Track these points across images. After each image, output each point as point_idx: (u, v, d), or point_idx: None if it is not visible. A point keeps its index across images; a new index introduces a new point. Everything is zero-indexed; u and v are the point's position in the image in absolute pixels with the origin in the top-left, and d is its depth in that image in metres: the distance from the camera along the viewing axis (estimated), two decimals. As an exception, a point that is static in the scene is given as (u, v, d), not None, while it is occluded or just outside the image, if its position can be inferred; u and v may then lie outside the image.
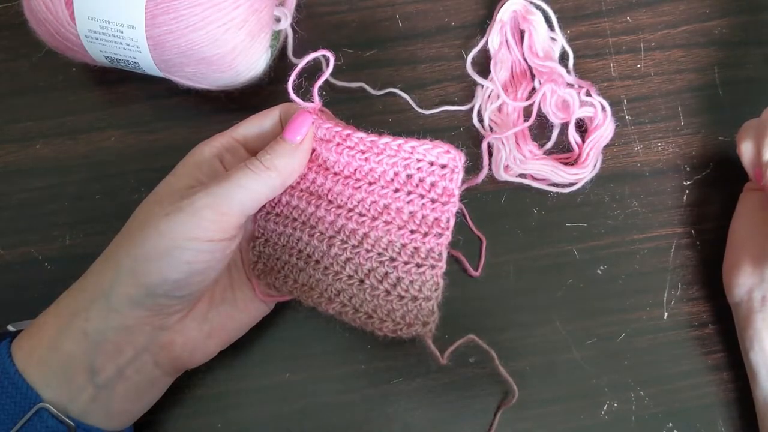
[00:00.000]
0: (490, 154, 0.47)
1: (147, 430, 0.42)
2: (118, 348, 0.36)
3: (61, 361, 0.35)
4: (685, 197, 0.47)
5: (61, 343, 0.35)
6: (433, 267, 0.37)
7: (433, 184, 0.37)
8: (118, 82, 0.49)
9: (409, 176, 0.38)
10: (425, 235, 0.37)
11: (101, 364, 0.36)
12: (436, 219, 0.37)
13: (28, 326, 0.37)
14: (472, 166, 0.47)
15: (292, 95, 0.37)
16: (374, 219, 0.38)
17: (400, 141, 0.37)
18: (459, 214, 0.39)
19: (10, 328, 0.39)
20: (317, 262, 0.39)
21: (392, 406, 0.43)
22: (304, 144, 0.38)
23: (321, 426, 0.43)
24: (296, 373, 0.44)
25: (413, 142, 0.37)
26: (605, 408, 0.44)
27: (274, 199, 0.40)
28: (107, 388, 0.36)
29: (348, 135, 0.38)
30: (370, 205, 0.38)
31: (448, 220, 0.37)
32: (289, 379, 0.44)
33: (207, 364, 0.41)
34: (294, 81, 0.37)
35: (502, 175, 0.46)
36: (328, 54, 0.38)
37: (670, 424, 0.43)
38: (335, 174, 0.39)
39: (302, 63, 0.38)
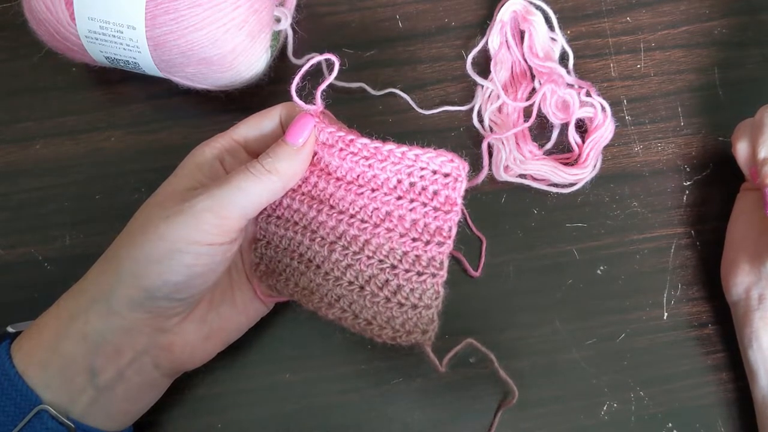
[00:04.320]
0: (490, 155, 0.47)
1: (147, 430, 0.42)
2: (117, 350, 0.36)
3: (62, 362, 0.35)
4: (685, 197, 0.47)
5: (61, 345, 0.35)
6: (433, 275, 0.37)
7: (435, 193, 0.37)
8: (118, 82, 0.49)
9: (412, 184, 0.38)
10: (427, 243, 0.37)
11: (101, 365, 0.36)
12: (438, 228, 0.37)
13: (28, 328, 0.37)
14: (472, 166, 0.47)
15: (295, 98, 0.37)
16: (376, 226, 0.38)
17: (404, 148, 0.37)
18: (460, 217, 0.39)
19: (10, 329, 0.39)
20: (318, 267, 0.39)
21: (392, 406, 0.43)
22: (306, 147, 0.38)
23: (321, 426, 0.43)
24: (296, 373, 0.44)
25: (417, 150, 0.37)
26: (605, 408, 0.44)
27: (275, 201, 0.40)
28: (107, 389, 0.36)
29: (351, 140, 0.38)
30: (372, 212, 0.38)
31: (450, 229, 0.37)
32: (289, 379, 0.44)
33: (207, 364, 0.41)
34: (297, 84, 0.37)
35: (502, 176, 0.46)
36: (333, 58, 0.38)
37: (670, 424, 0.43)
38: (337, 179, 0.39)
39: (306, 66, 0.38)
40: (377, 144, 0.37)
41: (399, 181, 0.38)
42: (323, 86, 0.37)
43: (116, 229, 0.37)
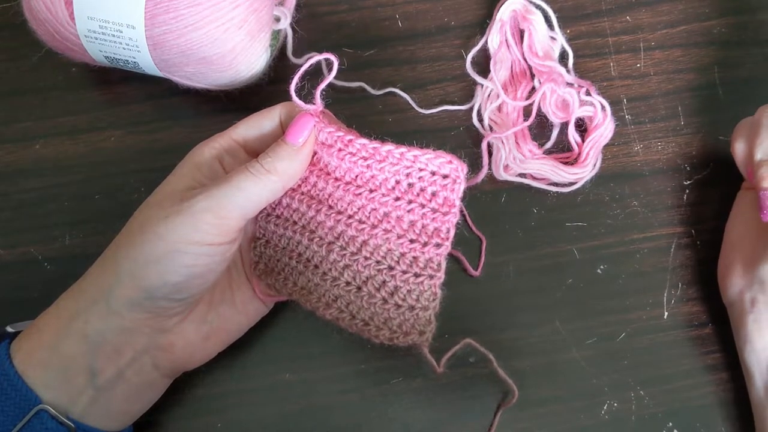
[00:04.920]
0: (490, 154, 0.47)
1: (147, 430, 0.42)
2: (117, 350, 0.36)
3: (61, 362, 0.35)
4: (685, 197, 0.47)
5: (61, 345, 0.35)
6: (431, 277, 0.37)
7: (434, 194, 0.37)
8: (118, 82, 0.49)
9: (410, 185, 0.38)
10: (425, 245, 0.37)
11: (101, 366, 0.36)
12: (436, 229, 0.37)
13: (27, 328, 0.37)
14: (472, 165, 0.47)
15: (294, 98, 0.37)
16: (374, 227, 0.38)
17: (403, 149, 0.37)
18: (459, 218, 0.39)
19: (9, 329, 0.39)
20: (316, 266, 0.39)
21: (392, 406, 0.43)
22: (305, 147, 0.38)
23: (321, 426, 0.43)
24: (296, 373, 0.44)
25: (416, 151, 0.37)
26: (605, 408, 0.44)
27: (275, 200, 0.40)
28: (107, 389, 0.36)
29: (350, 141, 0.38)
30: (370, 213, 0.38)
31: (448, 231, 0.37)
32: (289, 379, 0.44)
33: (207, 364, 0.41)
34: (297, 83, 0.37)
35: (502, 175, 0.46)
36: (332, 57, 0.38)
37: (670, 424, 0.43)
38: (336, 179, 0.39)
39: (305, 66, 0.38)
40: (376, 144, 0.37)
41: (397, 182, 0.38)
42: (322, 86, 0.37)
43: (116, 229, 0.37)
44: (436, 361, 0.38)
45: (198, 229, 0.34)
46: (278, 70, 0.47)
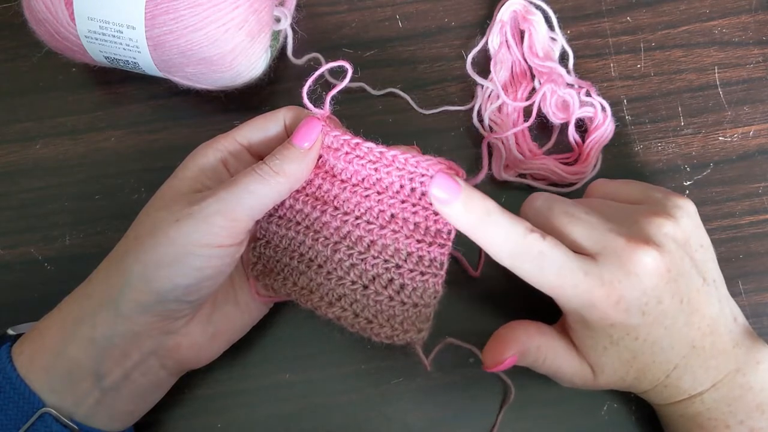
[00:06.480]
0: (490, 154, 0.47)
1: (147, 430, 0.42)
2: (124, 353, 0.36)
3: (67, 366, 0.35)
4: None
5: (66, 350, 0.35)
6: (435, 275, 0.38)
7: None
8: (118, 82, 0.49)
9: (413, 189, 0.38)
10: (430, 245, 0.38)
11: (108, 368, 0.36)
12: (438, 230, 0.38)
13: (29, 331, 0.37)
14: (473, 165, 0.47)
15: (306, 102, 0.37)
16: (383, 227, 0.39)
17: (407, 155, 0.38)
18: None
19: (10, 332, 0.39)
20: (320, 266, 0.40)
21: (392, 406, 0.44)
22: (312, 150, 0.38)
23: (321, 426, 0.43)
24: (296, 373, 0.44)
25: (418, 157, 0.38)
26: (605, 408, 0.44)
27: None
28: (113, 391, 0.36)
29: (357, 144, 0.38)
30: (378, 214, 0.39)
31: (449, 232, 0.38)
32: (289, 379, 0.44)
33: (207, 364, 0.41)
34: (309, 87, 0.37)
35: (502, 175, 0.46)
36: (346, 65, 0.38)
37: (670, 424, 0.43)
38: (342, 181, 0.39)
39: (319, 71, 0.38)
40: (382, 149, 0.38)
41: (402, 186, 0.38)
42: (334, 92, 0.38)
43: (116, 229, 0.37)
44: (432, 362, 0.38)
45: (209, 232, 0.35)
46: (278, 71, 0.47)
